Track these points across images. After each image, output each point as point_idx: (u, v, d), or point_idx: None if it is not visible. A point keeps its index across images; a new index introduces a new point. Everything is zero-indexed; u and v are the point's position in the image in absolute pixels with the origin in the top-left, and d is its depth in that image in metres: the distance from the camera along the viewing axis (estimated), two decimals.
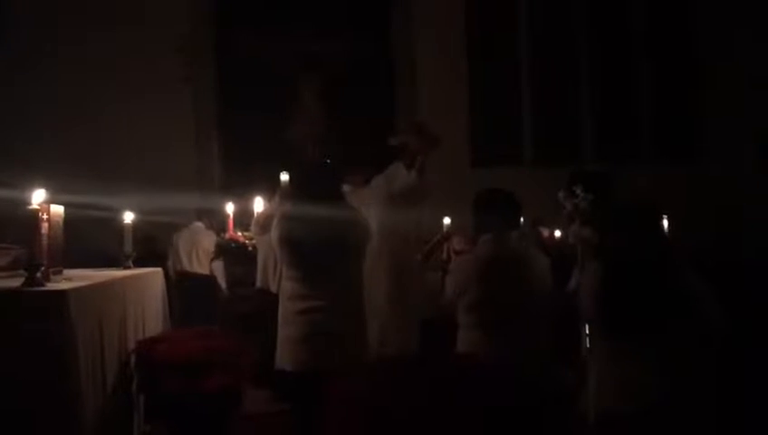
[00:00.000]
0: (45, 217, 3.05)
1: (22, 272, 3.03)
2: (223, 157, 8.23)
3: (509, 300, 3.48)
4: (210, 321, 4.92)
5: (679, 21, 8.86)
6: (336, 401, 2.97)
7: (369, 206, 4.62)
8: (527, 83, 8.71)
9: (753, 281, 5.28)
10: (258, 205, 5.08)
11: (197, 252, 6.43)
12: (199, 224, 6.57)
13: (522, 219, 3.95)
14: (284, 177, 4.64)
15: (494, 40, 8.61)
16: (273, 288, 5.19)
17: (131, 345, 3.73)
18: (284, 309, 3.65)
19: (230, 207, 5.26)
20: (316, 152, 7.78)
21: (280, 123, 8.08)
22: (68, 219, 3.43)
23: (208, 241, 6.14)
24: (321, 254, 3.54)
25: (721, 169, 8.28)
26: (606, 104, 8.78)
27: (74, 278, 3.30)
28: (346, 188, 4.21)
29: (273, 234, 3.71)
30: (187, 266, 6.47)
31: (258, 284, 5.49)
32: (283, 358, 3.61)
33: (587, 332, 3.47)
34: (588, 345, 3.40)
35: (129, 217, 4.25)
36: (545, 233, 5.26)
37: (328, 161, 4.03)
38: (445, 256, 4.56)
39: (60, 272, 3.32)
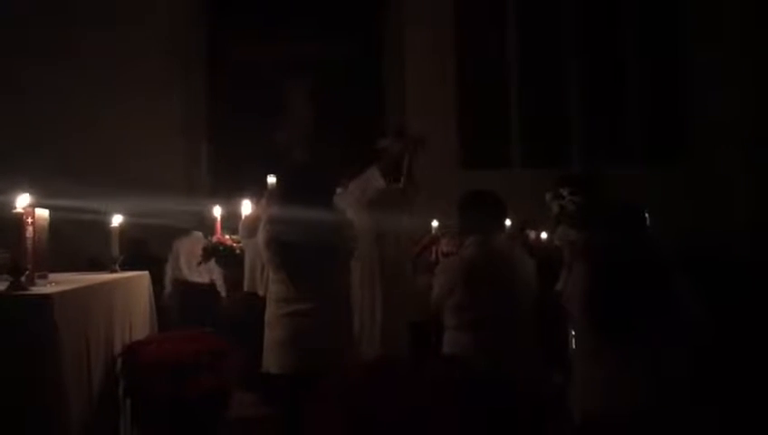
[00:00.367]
0: (30, 220, 3.04)
1: (6, 276, 3.01)
2: (211, 160, 8.22)
3: (494, 302, 3.48)
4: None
5: (667, 22, 8.90)
6: (321, 403, 2.97)
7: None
8: (516, 85, 8.74)
9: (741, 280, 5.32)
10: (246, 208, 5.07)
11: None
12: (199, 233, 6.52)
13: (508, 221, 3.96)
14: (272, 179, 4.64)
15: (483, 41, 8.63)
16: (261, 291, 5.18)
17: (118, 349, 3.71)
18: (271, 312, 3.64)
19: (218, 210, 5.25)
20: (304, 155, 7.78)
21: (268, 126, 8.08)
22: (54, 223, 3.41)
23: None
24: (307, 257, 3.53)
25: (708, 170, 8.33)
26: (594, 106, 8.81)
27: (60, 282, 3.28)
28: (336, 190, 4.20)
29: (260, 236, 3.71)
30: (186, 275, 6.45)
31: (246, 287, 5.48)
32: (269, 361, 3.60)
33: (573, 333, 3.48)
34: (574, 346, 3.41)
35: (116, 220, 4.23)
36: (532, 235, 5.27)
37: (315, 164, 4.02)
38: (433, 258, 4.56)
39: (45, 276, 3.30)
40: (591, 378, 2.92)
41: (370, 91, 8.44)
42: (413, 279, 5.22)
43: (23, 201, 2.98)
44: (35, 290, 2.96)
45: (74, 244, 5.70)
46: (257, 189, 5.06)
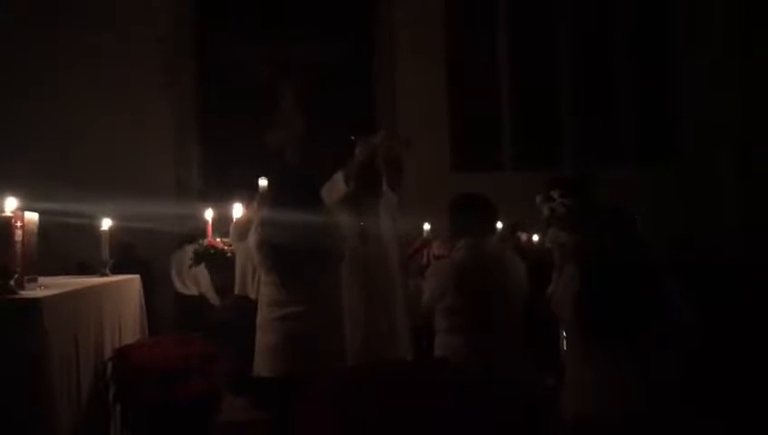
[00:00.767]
0: (19, 224, 3.01)
1: None
2: (202, 163, 8.19)
3: (485, 305, 3.49)
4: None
5: (657, 24, 8.95)
6: (311, 405, 2.96)
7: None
8: (507, 87, 8.76)
9: (733, 282, 5.34)
10: (237, 211, 5.06)
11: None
12: (191, 247, 6.47)
13: (499, 224, 3.96)
14: (263, 182, 4.62)
15: (474, 43, 8.65)
16: (252, 295, 5.16)
17: (108, 353, 3.69)
18: (262, 315, 3.63)
19: (209, 214, 5.23)
20: (295, 157, 7.76)
21: (259, 129, 8.07)
22: (43, 226, 3.39)
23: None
24: (298, 259, 3.53)
25: (699, 172, 8.37)
26: (585, 108, 8.84)
27: (49, 286, 3.26)
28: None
29: (251, 239, 3.70)
30: (179, 288, 6.43)
31: (237, 290, 5.45)
32: (261, 364, 3.59)
33: (564, 335, 3.49)
34: (565, 348, 3.41)
35: (106, 224, 4.21)
36: (524, 237, 5.27)
37: (306, 166, 4.01)
38: (425, 261, 4.56)
39: (34, 280, 3.28)
40: (582, 380, 2.92)
41: (361, 93, 8.44)
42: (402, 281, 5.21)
43: (11, 204, 2.97)
44: (25, 294, 2.94)
45: (63, 247, 5.67)
46: (248, 192, 5.05)
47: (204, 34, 8.16)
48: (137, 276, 4.52)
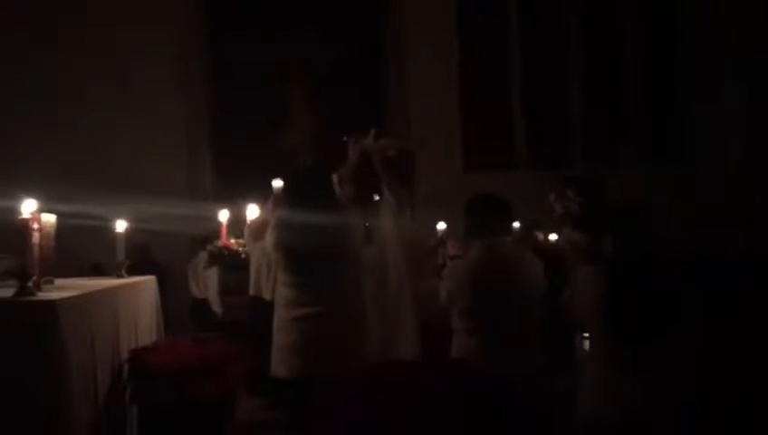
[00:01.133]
0: (36, 226, 3.04)
1: (12, 282, 3.02)
2: (215, 164, 8.22)
3: (502, 305, 3.47)
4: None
5: (667, 23, 8.90)
6: (325, 406, 2.96)
7: None
8: (518, 87, 8.74)
9: (746, 280, 5.29)
10: (251, 212, 5.07)
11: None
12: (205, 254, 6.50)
13: (515, 223, 3.94)
14: (277, 183, 4.63)
15: (486, 44, 8.63)
16: (267, 296, 5.17)
17: (124, 355, 3.71)
18: (279, 316, 3.63)
19: (223, 215, 5.24)
20: (308, 157, 7.77)
21: (272, 130, 8.09)
22: (59, 228, 3.41)
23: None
24: (314, 261, 3.53)
25: (712, 170, 8.32)
26: (597, 107, 8.81)
27: (66, 288, 3.28)
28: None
29: (268, 240, 3.70)
30: (195, 293, 6.47)
31: (251, 291, 5.47)
32: (278, 365, 3.59)
33: (582, 335, 3.47)
34: (584, 348, 3.40)
35: (121, 225, 4.23)
36: (540, 237, 5.23)
37: (321, 166, 4.00)
38: (440, 261, 4.55)
39: (51, 281, 3.31)
40: (604, 380, 2.92)
41: (374, 94, 8.44)
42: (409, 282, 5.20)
43: (29, 207, 2.98)
44: (42, 296, 2.96)
45: (78, 249, 5.70)
46: (262, 193, 5.07)
47: (216, 37, 8.19)
48: (152, 277, 4.54)
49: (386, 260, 4.24)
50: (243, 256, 5.39)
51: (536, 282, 3.58)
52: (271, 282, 5.08)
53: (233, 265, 5.72)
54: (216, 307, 6.17)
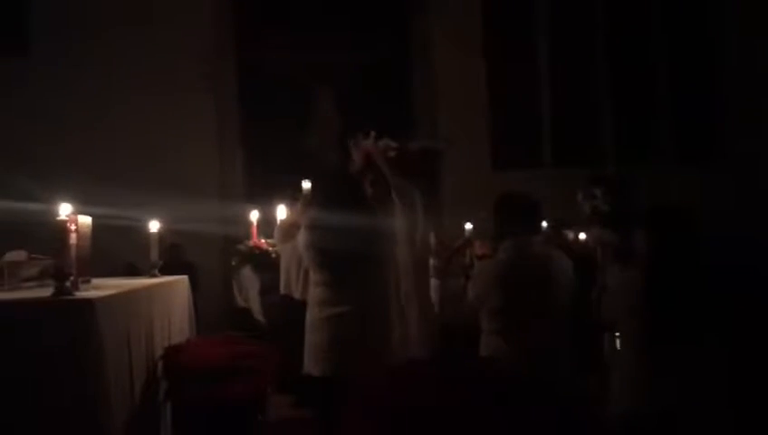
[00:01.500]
0: (73, 227, 3.11)
1: (51, 281, 3.10)
2: (246, 165, 8.28)
3: (531, 305, 3.47)
4: None
5: (699, 21, 8.80)
6: (358, 406, 2.99)
7: None
8: (546, 85, 8.69)
9: None
10: (281, 212, 5.13)
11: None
12: (247, 269, 6.52)
13: (543, 223, 3.93)
14: (306, 184, 4.68)
15: (513, 41, 8.60)
16: (297, 295, 5.23)
17: (158, 353, 3.77)
18: (312, 314, 3.67)
19: (254, 215, 5.31)
20: (337, 159, 7.80)
21: (300, 132, 8.15)
22: (94, 229, 3.49)
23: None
24: (348, 260, 3.56)
25: (743, 169, 8.20)
26: (626, 105, 8.73)
27: (102, 287, 3.35)
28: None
29: (301, 240, 3.74)
30: (240, 302, 6.52)
31: (282, 290, 5.53)
32: (311, 363, 3.63)
33: (612, 335, 3.46)
34: (614, 348, 3.39)
35: (154, 226, 4.30)
36: (570, 235, 5.19)
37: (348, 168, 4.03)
38: (467, 260, 4.56)
39: (88, 281, 3.38)
40: (639, 380, 2.91)
41: (400, 94, 8.45)
42: (443, 281, 5.21)
43: (66, 209, 3.06)
44: (79, 295, 3.02)
45: (112, 249, 5.80)
46: (292, 194, 5.12)
47: (246, 39, 8.25)
48: (185, 277, 4.60)
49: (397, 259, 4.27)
50: (273, 255, 5.45)
51: (565, 281, 3.58)
52: (301, 281, 5.13)
53: (263, 264, 5.78)
54: (258, 314, 6.20)
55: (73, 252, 3.08)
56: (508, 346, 3.43)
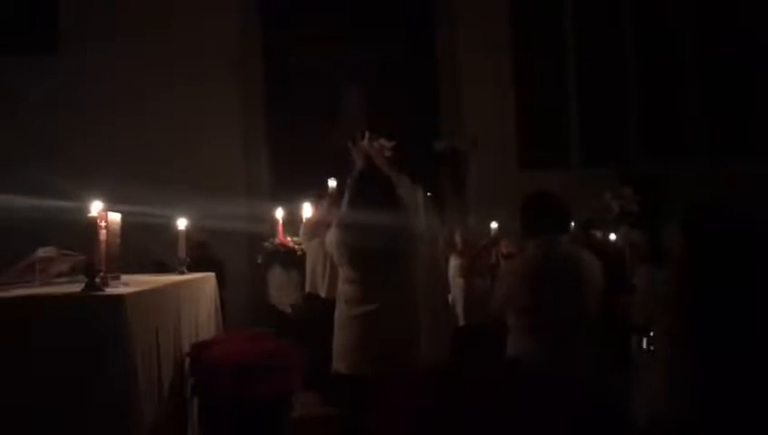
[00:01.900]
0: (103, 224, 3.14)
1: (81, 277, 3.13)
2: (272, 163, 8.31)
3: (557, 304, 3.44)
4: None
5: (727, 18, 8.67)
6: (386, 405, 2.99)
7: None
8: (574, 84, 8.61)
9: None
10: (306, 210, 5.14)
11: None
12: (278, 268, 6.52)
13: (572, 222, 3.89)
14: (332, 182, 4.69)
15: (540, 40, 8.54)
16: (322, 293, 5.24)
17: (186, 348, 3.79)
18: (341, 312, 3.67)
19: (279, 213, 5.32)
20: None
21: (326, 128, 8.15)
22: (122, 226, 3.52)
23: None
24: (378, 258, 3.56)
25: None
26: (653, 104, 8.62)
27: (131, 283, 3.38)
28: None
29: (331, 238, 3.75)
30: (275, 301, 6.53)
31: (307, 288, 5.55)
32: (339, 361, 3.63)
33: (641, 335, 3.43)
34: (643, 349, 3.35)
35: (182, 223, 4.33)
36: (597, 235, 5.15)
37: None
38: (494, 259, 4.54)
39: (117, 277, 3.41)
40: (673, 381, 2.87)
41: (426, 93, 8.43)
42: (469, 281, 5.20)
43: (96, 206, 3.09)
44: (109, 291, 3.05)
45: (141, 246, 5.84)
46: (317, 192, 5.13)
47: (272, 36, 8.27)
48: (212, 274, 4.63)
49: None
50: (298, 253, 5.47)
51: (594, 281, 3.54)
52: (326, 279, 5.14)
53: (289, 262, 5.81)
54: (286, 307, 6.21)
55: (103, 248, 3.12)
56: (536, 345, 3.40)
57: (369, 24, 8.31)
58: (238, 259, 7.16)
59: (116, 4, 7.80)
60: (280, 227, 5.27)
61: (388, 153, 3.99)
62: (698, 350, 2.84)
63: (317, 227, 4.88)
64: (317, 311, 5.02)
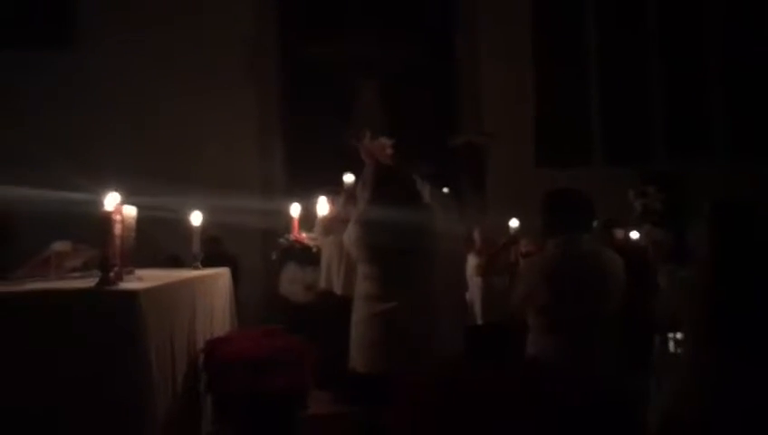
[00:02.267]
0: (118, 218, 3.11)
1: (95, 272, 3.10)
2: (286, 159, 8.29)
3: (579, 304, 3.38)
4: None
5: (752, 16, 8.56)
6: (404, 402, 2.95)
7: None
8: (595, 80, 8.52)
9: None
10: (322, 206, 5.10)
11: None
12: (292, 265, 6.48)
13: (595, 220, 3.82)
14: (348, 179, 4.64)
15: (561, 37, 8.45)
16: (338, 290, 5.20)
17: (200, 344, 3.77)
18: (359, 310, 3.63)
19: (294, 209, 5.28)
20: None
21: (342, 126, 8.10)
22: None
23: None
24: (398, 255, 3.52)
25: None
26: (676, 101, 8.52)
27: (145, 278, 3.36)
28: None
29: (349, 234, 3.71)
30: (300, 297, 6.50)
31: (322, 285, 5.51)
32: (357, 359, 3.59)
33: (664, 336, 3.37)
34: (666, 349, 3.29)
35: (197, 218, 4.30)
36: (619, 234, 5.08)
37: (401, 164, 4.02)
38: (512, 258, 4.48)
39: (131, 272, 3.39)
40: (700, 382, 2.81)
41: (445, 89, 8.37)
42: (488, 279, 5.15)
43: (113, 199, 3.06)
44: (124, 286, 3.03)
45: (154, 240, 5.83)
46: (333, 188, 5.09)
47: (289, 33, 8.25)
48: (226, 269, 4.60)
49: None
50: (314, 250, 5.43)
51: (616, 280, 3.48)
52: (342, 276, 5.10)
53: (304, 259, 5.77)
54: (298, 297, 6.17)
55: (118, 242, 3.09)
56: (556, 344, 3.35)
57: (388, 21, 8.26)
58: (252, 255, 7.14)
59: (132, 0, 7.80)
60: (295, 223, 5.22)
61: (388, 151, 3.99)
62: (723, 350, 2.78)
63: (332, 223, 4.84)
64: (332, 308, 4.98)
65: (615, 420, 3.17)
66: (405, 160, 3.88)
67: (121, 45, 7.65)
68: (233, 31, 7.89)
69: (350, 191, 4.45)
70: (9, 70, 7.47)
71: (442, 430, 2.88)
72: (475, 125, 8.03)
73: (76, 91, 7.56)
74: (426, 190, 3.96)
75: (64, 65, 7.63)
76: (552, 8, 8.40)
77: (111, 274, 3.00)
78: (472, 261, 5.29)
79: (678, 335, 3.25)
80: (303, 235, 5.43)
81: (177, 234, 4.93)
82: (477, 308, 5.36)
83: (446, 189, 4.76)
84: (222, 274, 4.50)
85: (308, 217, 5.43)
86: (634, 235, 4.52)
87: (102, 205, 3.05)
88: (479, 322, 5.33)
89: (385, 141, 4.14)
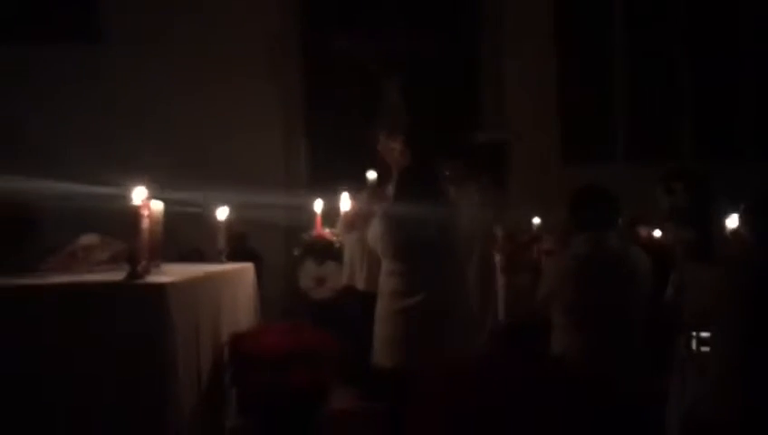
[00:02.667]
0: (146, 213, 3.14)
1: (123, 265, 3.13)
2: (310, 154, 8.30)
3: (604, 302, 3.37)
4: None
5: None
6: (427, 401, 2.95)
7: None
8: (620, 76, 8.45)
9: None
10: (345, 202, 5.11)
11: None
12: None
13: (620, 218, 3.80)
14: (371, 174, 4.65)
15: (586, 34, 8.39)
16: (360, 286, 5.21)
17: (225, 338, 3.80)
18: (383, 306, 3.64)
19: (317, 205, 5.30)
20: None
21: (366, 121, 8.10)
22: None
23: None
24: (422, 250, 3.53)
25: None
26: (703, 98, 8.43)
27: (172, 272, 3.38)
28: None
29: (374, 230, 3.72)
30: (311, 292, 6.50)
31: (345, 280, 5.52)
32: (382, 355, 3.60)
33: (691, 335, 3.33)
34: (691, 348, 3.27)
35: (222, 213, 4.33)
36: (644, 232, 5.03)
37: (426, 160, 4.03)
38: (535, 255, 4.47)
39: (158, 266, 3.41)
40: (733, 381, 2.78)
41: (468, 85, 8.34)
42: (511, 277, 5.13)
43: (140, 194, 3.09)
44: (151, 280, 3.06)
45: (179, 235, 5.86)
46: (356, 185, 5.10)
47: (313, 28, 8.25)
48: (251, 265, 4.63)
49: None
50: (337, 245, 5.44)
51: (642, 278, 3.46)
52: (364, 272, 5.10)
53: (322, 254, 5.78)
54: (317, 293, 6.19)
55: (146, 236, 3.12)
56: (581, 343, 3.33)
57: (411, 17, 8.25)
58: (275, 251, 7.15)
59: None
60: (318, 220, 5.23)
61: (396, 154, 4.02)
62: (756, 349, 2.75)
63: (356, 219, 4.85)
64: (355, 303, 5.00)
65: (639, 420, 3.16)
66: (430, 158, 3.88)
67: (145, 39, 7.68)
68: (255, 25, 7.90)
69: (374, 187, 4.46)
70: (35, 65, 7.54)
71: (464, 426, 2.89)
72: (498, 123, 7.99)
73: (102, 85, 7.61)
74: (461, 188, 3.95)
75: (90, 59, 7.66)
76: (577, 4, 8.33)
77: (139, 267, 3.03)
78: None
79: (704, 334, 3.22)
80: (327, 230, 5.45)
81: (201, 228, 4.96)
82: (500, 305, 5.35)
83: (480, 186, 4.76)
84: (247, 269, 4.52)
85: (331, 214, 5.45)
86: (657, 233, 4.48)
87: (131, 199, 3.08)
88: (501, 319, 5.31)
89: (393, 145, 4.17)
